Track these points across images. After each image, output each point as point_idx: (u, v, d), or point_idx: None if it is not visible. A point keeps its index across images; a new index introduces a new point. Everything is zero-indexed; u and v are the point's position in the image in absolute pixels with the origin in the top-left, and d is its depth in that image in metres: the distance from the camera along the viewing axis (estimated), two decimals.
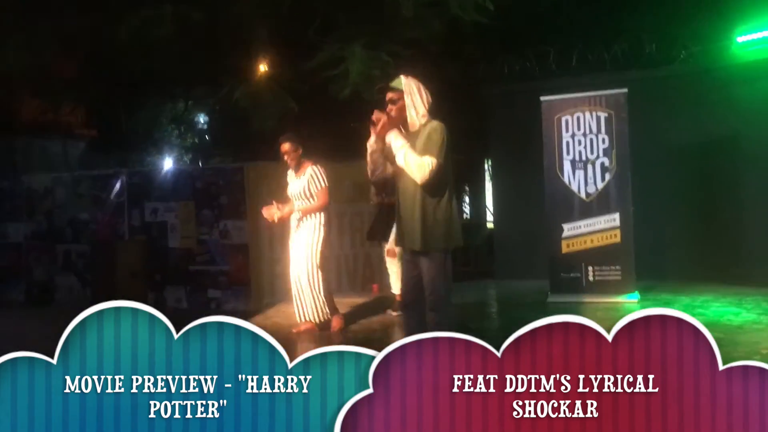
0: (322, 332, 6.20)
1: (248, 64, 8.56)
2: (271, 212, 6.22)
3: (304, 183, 6.16)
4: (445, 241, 4.14)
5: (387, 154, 4.19)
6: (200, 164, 15.15)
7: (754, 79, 7.62)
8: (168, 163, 15.98)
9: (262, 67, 8.47)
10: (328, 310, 6.25)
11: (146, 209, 10.35)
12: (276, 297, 9.11)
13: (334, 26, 7.74)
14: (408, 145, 4.00)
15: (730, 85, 7.85)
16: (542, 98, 7.63)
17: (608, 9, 10.01)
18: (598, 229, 7.35)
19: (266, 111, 8.32)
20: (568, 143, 7.50)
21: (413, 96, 4.12)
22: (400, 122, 4.12)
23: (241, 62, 8.42)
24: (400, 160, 4.02)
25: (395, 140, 4.03)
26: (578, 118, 7.46)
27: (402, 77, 4.19)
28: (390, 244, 6.99)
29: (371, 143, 4.21)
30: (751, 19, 7.62)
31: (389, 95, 4.16)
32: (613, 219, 7.31)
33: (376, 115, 4.11)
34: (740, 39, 7.73)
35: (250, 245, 9.66)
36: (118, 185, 10.62)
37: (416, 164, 3.97)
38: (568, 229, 7.44)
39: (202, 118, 16.94)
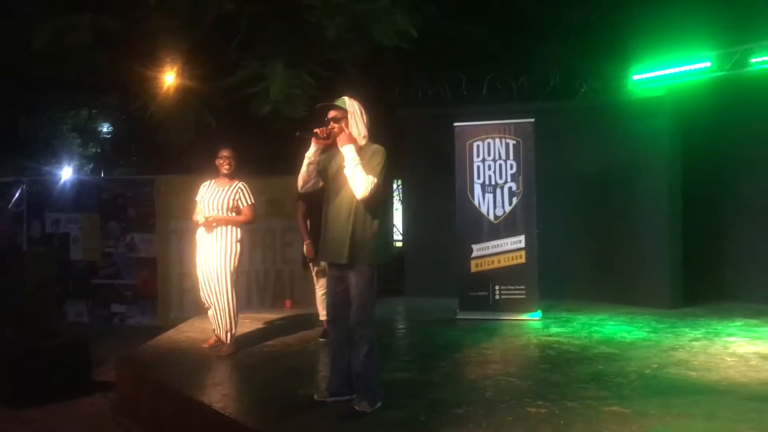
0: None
1: (160, 76, 8.43)
2: (207, 216, 6.06)
3: (231, 195, 6.13)
4: (375, 256, 4.28)
5: (322, 168, 4.37)
6: (102, 174, 14.68)
7: (647, 115, 8.19)
8: (68, 173, 15.36)
9: (171, 79, 8.36)
10: (235, 329, 6.16)
11: (47, 219, 9.99)
12: (184, 312, 8.98)
13: (256, 43, 7.79)
14: (359, 161, 4.19)
15: (626, 119, 8.39)
16: (456, 124, 7.95)
17: (517, 42, 10.53)
18: (505, 250, 7.71)
19: (182, 125, 8.22)
20: (478, 167, 7.85)
21: (356, 116, 4.34)
22: (338, 138, 4.29)
23: (158, 74, 8.29)
24: (348, 173, 4.18)
25: (349, 153, 4.20)
26: (488, 144, 7.82)
27: (345, 98, 4.37)
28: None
29: (310, 155, 4.34)
30: (645, 58, 8.20)
31: (333, 113, 4.33)
32: (519, 241, 7.69)
33: (319, 129, 4.28)
34: (635, 77, 8.29)
35: (159, 259, 9.50)
36: (17, 194, 10.18)
37: (363, 180, 4.15)
38: (477, 249, 7.76)
39: (105, 128, 16.42)
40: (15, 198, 10.17)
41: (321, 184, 4.48)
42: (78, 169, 15.76)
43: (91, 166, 16.05)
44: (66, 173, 15.22)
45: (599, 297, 8.50)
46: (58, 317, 6.35)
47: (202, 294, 6.20)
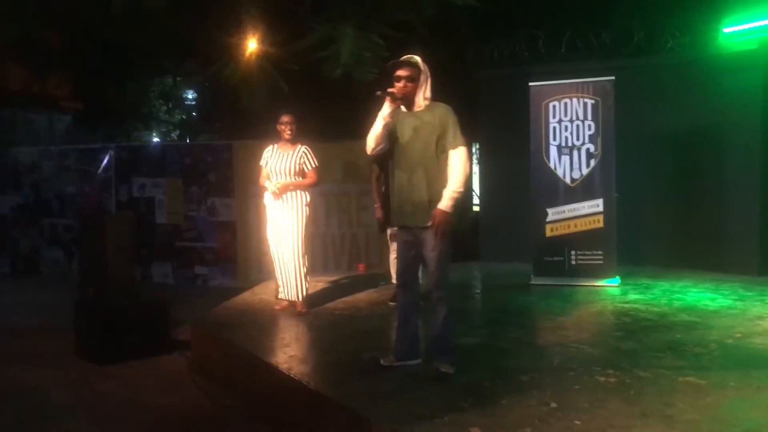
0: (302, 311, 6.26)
1: (238, 42, 8.52)
2: (275, 184, 6.17)
3: (296, 160, 6.21)
4: (454, 215, 4.21)
5: (391, 129, 4.31)
6: (188, 141, 15.11)
7: (739, 69, 7.70)
8: (156, 139, 15.91)
9: (253, 46, 8.43)
10: (306, 289, 6.31)
11: (134, 184, 10.40)
12: (263, 274, 9.18)
13: (326, 6, 7.73)
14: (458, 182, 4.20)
15: (716, 75, 7.92)
16: (531, 84, 7.70)
17: None
18: (582, 214, 7.46)
19: (255, 90, 8.31)
20: (554, 129, 7.59)
21: (427, 77, 4.31)
22: (411, 99, 4.28)
23: (232, 40, 8.38)
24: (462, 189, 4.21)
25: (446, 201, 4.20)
26: (565, 104, 7.54)
27: (417, 58, 4.30)
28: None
29: (385, 115, 4.26)
30: (737, 10, 7.69)
31: (406, 71, 4.24)
32: (597, 205, 7.42)
33: (393, 88, 4.23)
34: (726, 30, 7.79)
35: (238, 222, 9.75)
36: (105, 160, 10.63)
37: (464, 173, 4.21)
38: (553, 213, 7.55)
39: (190, 95, 16.85)
40: (104, 164, 10.62)
41: (383, 147, 4.40)
42: (164, 136, 16.29)
43: (177, 132, 16.55)
44: (153, 139, 15.79)
45: (682, 263, 8.14)
46: (135, 278, 6.56)
47: (274, 258, 6.33)
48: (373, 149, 4.40)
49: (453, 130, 4.23)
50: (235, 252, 9.78)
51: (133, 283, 6.37)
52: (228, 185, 9.85)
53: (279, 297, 6.45)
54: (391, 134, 4.34)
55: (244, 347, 5.10)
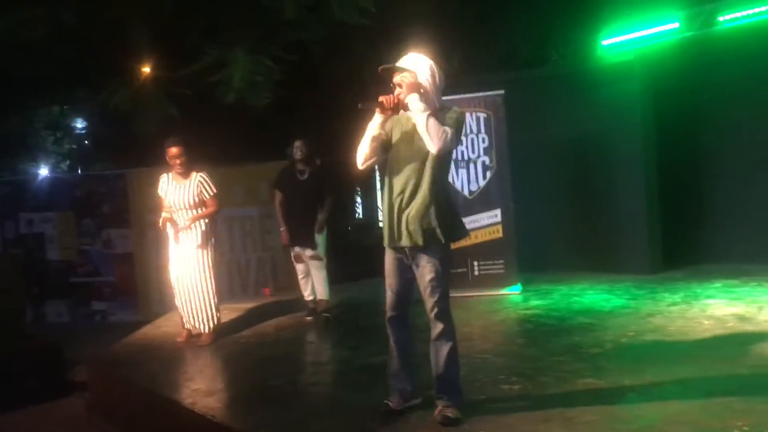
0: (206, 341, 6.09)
1: (128, 67, 8.30)
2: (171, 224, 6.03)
3: (194, 190, 6.05)
4: (452, 233, 3.73)
5: (386, 139, 3.75)
6: (79, 171, 14.51)
7: (618, 80, 8.10)
8: (44, 171, 15.19)
9: (143, 71, 8.24)
10: (218, 318, 6.18)
11: (21, 220, 9.87)
12: (165, 306, 8.86)
13: (217, 30, 7.64)
14: (430, 111, 3.56)
15: (598, 86, 8.29)
16: None
17: (488, 11, 10.38)
18: (482, 225, 7.63)
19: (147, 116, 8.10)
20: None
21: (426, 77, 3.68)
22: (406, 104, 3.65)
23: (121, 65, 8.16)
24: (421, 124, 3.53)
25: (415, 102, 3.55)
26: None
27: (410, 55, 3.75)
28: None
29: (375, 127, 3.73)
30: (613, 23, 8.11)
31: (397, 77, 3.68)
32: (495, 215, 7.61)
33: (384, 97, 3.68)
34: (604, 42, 8.20)
35: (136, 254, 9.41)
36: None
37: (438, 130, 3.52)
38: None
39: (80, 123, 16.20)
40: None
41: (375, 160, 3.82)
42: (54, 167, 15.58)
43: (68, 163, 15.86)
44: (40, 172, 15.07)
45: (580, 266, 8.45)
46: (25, 320, 6.23)
47: (176, 290, 6.13)
48: (363, 163, 3.79)
49: (453, 121, 3.63)
50: (134, 285, 9.43)
51: (24, 326, 6.04)
52: (124, 216, 9.50)
53: (185, 327, 6.25)
54: (386, 144, 3.78)
55: (144, 384, 4.91)
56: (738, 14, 7.15)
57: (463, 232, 3.86)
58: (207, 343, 6.02)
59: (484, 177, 7.67)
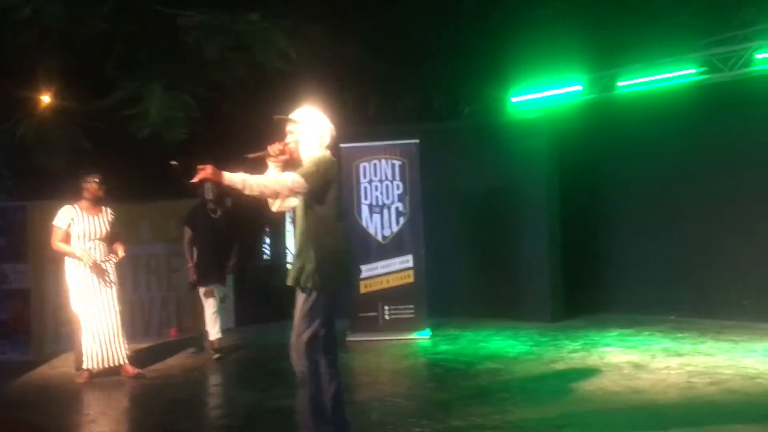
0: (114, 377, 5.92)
1: (35, 96, 8.01)
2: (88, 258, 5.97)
3: (105, 223, 6.03)
4: (316, 279, 3.83)
5: (257, 192, 3.86)
6: None
7: (527, 135, 8.49)
8: None
9: (50, 101, 7.96)
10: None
11: None
12: (60, 345, 8.46)
13: (133, 63, 7.52)
14: (245, 175, 3.77)
15: (508, 140, 8.64)
16: (341, 145, 7.96)
17: (404, 63, 10.69)
18: (394, 270, 7.77)
19: (53, 147, 7.82)
20: (365, 188, 7.90)
21: (312, 129, 3.95)
22: (296, 155, 3.93)
23: (27, 94, 7.86)
24: (252, 190, 3.75)
25: (234, 177, 3.74)
26: (375, 165, 7.90)
27: (305, 108, 4.03)
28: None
29: (270, 174, 3.96)
30: (523, 82, 8.52)
31: (288, 126, 3.97)
32: (407, 260, 7.77)
33: (271, 146, 3.92)
34: (513, 99, 8.60)
35: (32, 290, 8.95)
36: None
37: (272, 181, 3.81)
38: (366, 270, 7.76)
39: None
40: None
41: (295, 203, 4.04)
42: None
43: None
44: None
45: (486, 314, 8.68)
46: None
47: (87, 327, 6.00)
48: (276, 208, 4.10)
49: (305, 166, 3.85)
50: (28, 323, 8.93)
51: None
52: (21, 249, 9.04)
53: (83, 368, 6.01)
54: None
55: (44, 427, 4.67)
56: (636, 81, 7.69)
57: (332, 283, 3.90)
58: (134, 373, 6.07)
59: (398, 223, 7.84)
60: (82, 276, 6.00)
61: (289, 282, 3.92)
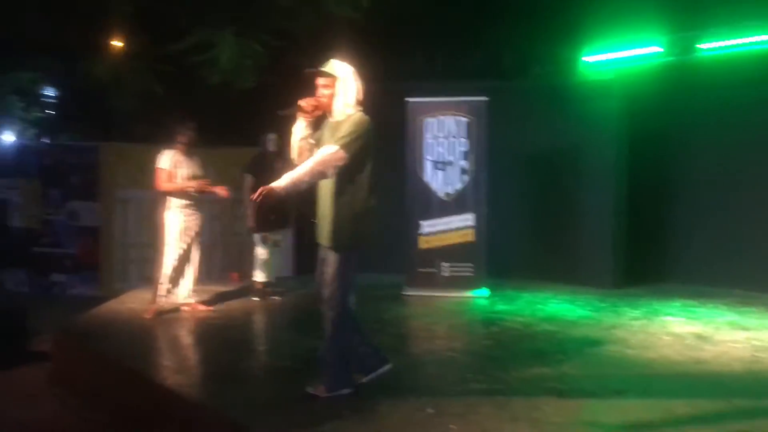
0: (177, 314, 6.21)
1: (110, 39, 8.18)
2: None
3: (198, 167, 6.46)
4: (351, 238, 3.94)
5: (317, 139, 4.01)
6: (47, 140, 14.21)
7: (598, 97, 8.26)
8: (10, 138, 14.84)
9: (124, 45, 8.12)
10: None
11: None
12: (129, 283, 8.82)
13: (205, 10, 7.58)
14: (292, 176, 3.83)
15: (577, 101, 8.43)
16: (408, 99, 7.91)
17: (474, 19, 10.49)
18: (454, 227, 7.74)
19: (127, 90, 8.01)
20: (430, 144, 7.84)
21: (346, 83, 3.95)
22: (328, 109, 3.97)
23: (103, 37, 8.04)
24: (305, 186, 3.87)
25: (287, 186, 3.83)
26: (440, 121, 7.82)
27: (334, 61, 3.99)
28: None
29: (299, 129, 4.03)
30: (596, 42, 8.27)
31: (321, 81, 3.95)
32: (468, 219, 7.72)
33: (304, 101, 3.94)
34: (586, 59, 8.36)
35: (102, 228, 9.28)
36: None
37: (318, 166, 3.83)
38: (427, 226, 7.77)
39: (50, 92, 15.84)
40: None
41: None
42: (20, 134, 15.22)
43: (35, 131, 15.50)
44: (7, 138, 14.71)
45: (545, 276, 8.60)
46: None
47: (176, 263, 6.35)
48: (299, 160, 4.07)
49: (343, 132, 3.86)
50: (97, 259, 9.30)
51: None
52: (92, 189, 9.36)
53: (157, 303, 6.28)
54: (314, 149, 4.01)
55: (114, 358, 4.88)
56: (718, 44, 7.36)
57: (363, 240, 4.01)
58: (204, 310, 6.50)
59: (461, 180, 7.77)
60: (178, 217, 6.34)
61: (324, 241, 3.98)
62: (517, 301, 7.45)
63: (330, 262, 3.97)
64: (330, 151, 3.84)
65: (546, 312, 6.90)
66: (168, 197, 6.31)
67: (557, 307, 7.13)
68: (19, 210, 9.60)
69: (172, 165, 6.28)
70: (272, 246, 7.26)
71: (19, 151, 10.08)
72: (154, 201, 6.59)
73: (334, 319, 4.01)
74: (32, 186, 9.58)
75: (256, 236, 7.23)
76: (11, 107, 15.01)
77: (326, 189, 3.98)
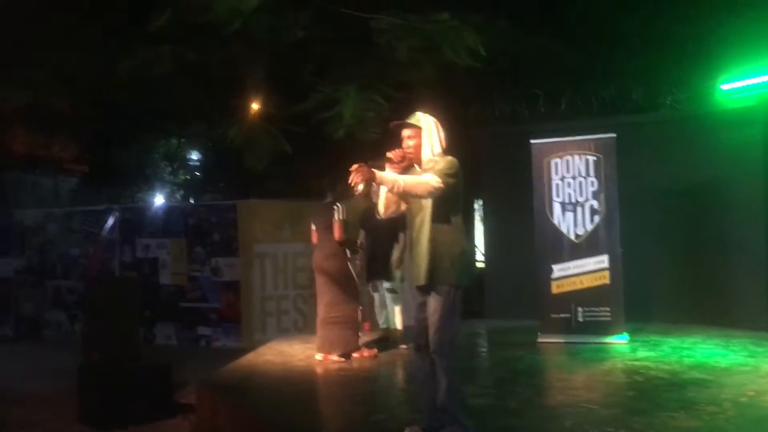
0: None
1: (243, 103, 8.69)
2: None
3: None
4: (453, 275, 3.97)
5: (403, 192, 4.02)
6: (191, 201, 15.21)
7: (738, 125, 7.79)
8: (159, 200, 16.02)
9: (257, 107, 8.61)
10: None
11: (138, 245, 10.41)
12: (267, 334, 9.13)
13: (328, 68, 7.90)
14: (397, 175, 3.97)
15: (716, 131, 8.00)
16: (532, 141, 7.78)
17: (596, 55, 10.25)
18: (588, 270, 7.43)
19: (259, 150, 8.44)
20: (557, 185, 7.63)
21: (430, 132, 4.09)
22: (416, 160, 4.10)
23: (237, 102, 8.55)
24: (399, 189, 3.88)
25: (386, 176, 3.90)
26: (567, 161, 7.60)
27: (419, 114, 4.15)
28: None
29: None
30: (734, 67, 7.82)
31: (406, 132, 4.11)
32: (602, 260, 7.40)
33: (392, 152, 4.09)
34: (724, 87, 7.91)
35: (242, 282, 9.71)
36: (110, 221, 10.68)
37: (416, 181, 3.92)
38: (558, 269, 7.51)
39: (194, 155, 17.04)
40: (108, 225, 10.66)
41: (404, 207, 4.23)
42: (168, 196, 16.40)
43: (181, 192, 16.67)
44: (157, 200, 15.89)
45: (690, 319, 8.07)
46: (139, 341, 6.52)
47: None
48: (384, 213, 4.24)
49: (441, 167, 3.96)
50: (238, 312, 9.72)
51: (137, 347, 6.32)
52: (232, 245, 9.86)
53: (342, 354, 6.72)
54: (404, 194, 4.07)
55: (251, 409, 5.02)
56: None
57: (465, 279, 4.05)
58: (369, 355, 6.91)
59: (592, 221, 7.49)
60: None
61: (422, 281, 4.00)
62: (660, 346, 7.00)
63: (436, 303, 3.98)
64: (429, 177, 3.94)
65: (694, 358, 6.41)
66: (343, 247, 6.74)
67: (707, 353, 6.61)
68: (168, 267, 10.24)
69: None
70: (388, 293, 7.30)
71: (167, 212, 10.80)
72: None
73: (450, 367, 3.99)
74: (179, 244, 10.21)
75: (369, 285, 7.45)
76: (160, 172, 16.24)
77: (423, 231, 4.03)
